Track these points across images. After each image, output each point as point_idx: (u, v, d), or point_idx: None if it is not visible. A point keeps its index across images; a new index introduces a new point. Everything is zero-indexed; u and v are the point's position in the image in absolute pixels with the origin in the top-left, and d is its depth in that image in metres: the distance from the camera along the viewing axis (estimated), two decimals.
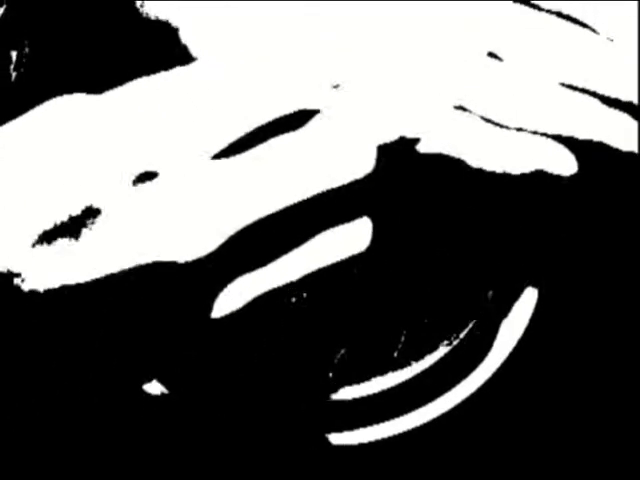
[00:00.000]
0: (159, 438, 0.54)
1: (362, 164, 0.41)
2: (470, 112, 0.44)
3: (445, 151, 0.43)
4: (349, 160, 0.41)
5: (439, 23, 0.44)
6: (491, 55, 0.44)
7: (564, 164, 0.44)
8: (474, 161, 0.44)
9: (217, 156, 0.39)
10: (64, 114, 0.40)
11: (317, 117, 0.41)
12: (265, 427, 0.55)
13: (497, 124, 0.44)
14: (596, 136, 0.44)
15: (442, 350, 0.57)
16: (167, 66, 0.41)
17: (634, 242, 0.57)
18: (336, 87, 0.42)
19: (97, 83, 0.43)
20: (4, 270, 0.38)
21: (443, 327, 0.58)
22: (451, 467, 0.58)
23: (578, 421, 0.58)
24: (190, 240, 0.38)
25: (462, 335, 0.57)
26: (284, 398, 0.56)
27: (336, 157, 0.40)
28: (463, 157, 0.43)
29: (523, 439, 0.58)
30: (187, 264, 0.38)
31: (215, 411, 0.54)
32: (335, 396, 0.57)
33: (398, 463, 0.57)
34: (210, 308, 0.40)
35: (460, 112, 0.44)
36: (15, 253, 0.38)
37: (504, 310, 0.56)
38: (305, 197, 0.39)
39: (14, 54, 0.55)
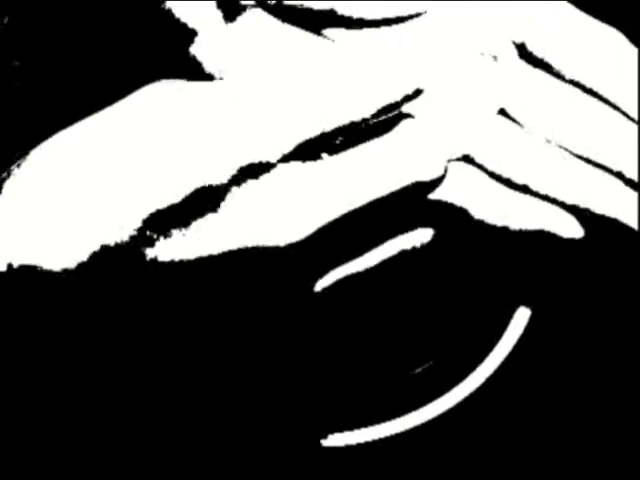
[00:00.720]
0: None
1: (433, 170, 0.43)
2: (478, 167, 0.45)
3: (450, 200, 0.45)
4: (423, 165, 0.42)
5: (454, 78, 0.45)
6: (502, 113, 0.45)
7: (570, 229, 0.45)
8: (477, 213, 0.45)
9: (314, 154, 0.41)
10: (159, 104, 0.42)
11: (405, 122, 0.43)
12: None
13: (503, 182, 0.45)
14: (599, 208, 0.45)
15: (437, 358, 0.58)
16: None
17: (626, 263, 0.58)
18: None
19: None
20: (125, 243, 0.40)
21: (440, 338, 0.58)
22: (445, 470, 0.58)
23: (575, 419, 0.59)
24: (286, 226, 0.40)
25: (455, 346, 0.58)
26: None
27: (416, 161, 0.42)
28: (467, 207, 0.45)
29: (516, 443, 0.58)
30: (283, 248, 0.40)
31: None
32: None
33: (395, 464, 0.58)
34: (307, 290, 0.43)
35: (468, 165, 0.45)
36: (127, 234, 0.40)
37: (497, 328, 0.57)
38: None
39: (17, 63, 0.56)
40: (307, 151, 0.41)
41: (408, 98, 0.42)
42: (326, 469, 0.57)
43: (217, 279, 0.41)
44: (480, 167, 0.45)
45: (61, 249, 0.40)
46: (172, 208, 0.40)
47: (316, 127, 0.40)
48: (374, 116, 0.41)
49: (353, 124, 0.41)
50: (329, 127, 0.41)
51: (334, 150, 0.41)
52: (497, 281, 0.57)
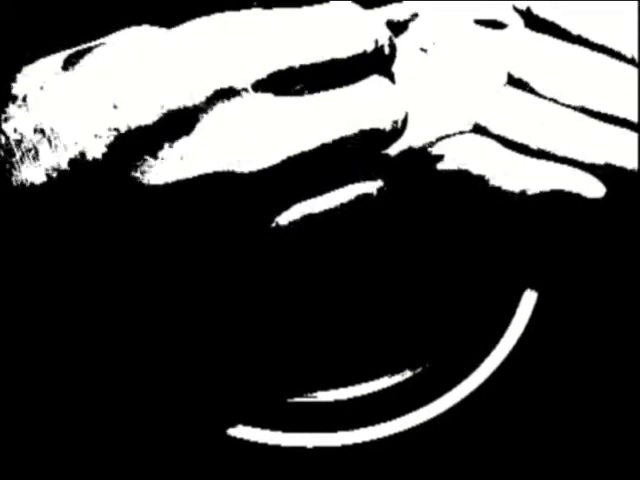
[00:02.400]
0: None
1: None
2: (489, 135, 0.46)
3: (465, 168, 0.46)
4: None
5: (466, 46, 0.46)
6: (512, 81, 0.46)
7: (591, 188, 0.46)
8: (493, 179, 0.46)
9: (286, 88, 0.43)
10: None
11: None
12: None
13: (516, 148, 0.46)
14: (608, 159, 0.46)
15: (441, 352, 0.58)
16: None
17: (631, 247, 0.58)
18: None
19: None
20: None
21: (444, 329, 0.58)
22: (450, 467, 0.58)
23: (575, 419, 0.58)
24: (255, 154, 0.41)
25: (462, 337, 0.57)
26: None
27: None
28: (483, 174, 0.46)
29: (521, 438, 0.58)
30: (249, 175, 0.41)
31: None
32: (332, 396, 0.58)
33: (394, 463, 0.57)
34: (269, 221, 0.44)
35: (479, 135, 0.46)
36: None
37: (504, 312, 0.57)
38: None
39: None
40: (280, 84, 0.42)
41: (380, 56, 0.43)
42: (325, 469, 0.56)
43: (186, 202, 0.42)
44: (494, 136, 0.46)
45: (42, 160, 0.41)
46: (145, 129, 0.41)
47: (290, 59, 0.42)
48: (346, 62, 0.42)
49: (326, 63, 0.42)
50: (302, 61, 0.42)
51: (307, 90, 0.43)
52: (502, 264, 0.57)
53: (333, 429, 0.57)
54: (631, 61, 0.46)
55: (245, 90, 0.42)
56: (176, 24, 0.44)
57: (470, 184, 0.46)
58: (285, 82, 0.42)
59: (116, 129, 0.41)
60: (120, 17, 0.52)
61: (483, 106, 0.46)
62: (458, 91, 0.46)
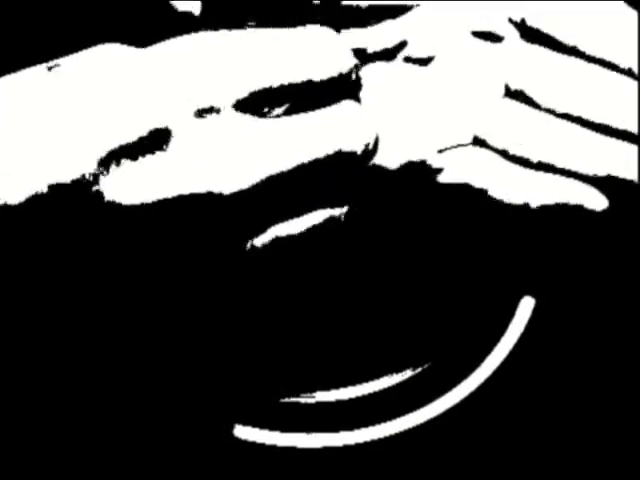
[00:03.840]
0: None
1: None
2: (489, 147, 0.46)
3: (466, 181, 0.46)
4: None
5: (464, 59, 0.46)
6: (509, 93, 0.46)
7: (593, 200, 0.46)
8: (494, 192, 0.46)
9: (266, 108, 0.43)
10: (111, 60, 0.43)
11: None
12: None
13: (516, 160, 0.46)
14: (608, 171, 0.46)
15: (441, 352, 0.58)
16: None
17: (629, 253, 0.58)
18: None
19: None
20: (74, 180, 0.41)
21: (444, 329, 0.58)
22: (450, 467, 0.58)
23: (573, 420, 0.59)
24: (231, 175, 0.41)
25: (462, 338, 0.58)
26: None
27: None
28: (484, 187, 0.46)
29: (521, 439, 0.58)
30: (227, 196, 0.42)
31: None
32: (332, 397, 0.58)
33: (395, 463, 0.57)
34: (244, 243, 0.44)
35: (479, 147, 0.46)
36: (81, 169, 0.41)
37: (503, 314, 0.57)
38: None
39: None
40: (260, 104, 0.43)
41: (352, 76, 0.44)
42: (325, 469, 0.57)
43: (163, 222, 0.42)
44: (494, 149, 0.46)
45: (16, 183, 0.41)
46: (122, 149, 0.41)
47: (267, 80, 0.42)
48: (320, 85, 0.43)
49: (300, 86, 0.43)
50: (279, 82, 0.42)
51: (284, 112, 0.43)
52: (501, 271, 0.57)
53: (334, 429, 0.57)
54: (628, 72, 0.46)
55: (223, 110, 0.42)
56: (151, 43, 0.44)
57: (471, 196, 0.47)
58: (261, 104, 0.43)
59: (91, 148, 0.41)
60: (92, 34, 0.52)
61: (482, 119, 0.46)
62: (456, 104, 0.46)
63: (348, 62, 0.43)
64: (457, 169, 0.46)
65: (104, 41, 0.51)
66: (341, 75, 0.43)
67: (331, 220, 0.45)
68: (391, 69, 0.47)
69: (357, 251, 0.56)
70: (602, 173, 0.46)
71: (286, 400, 0.57)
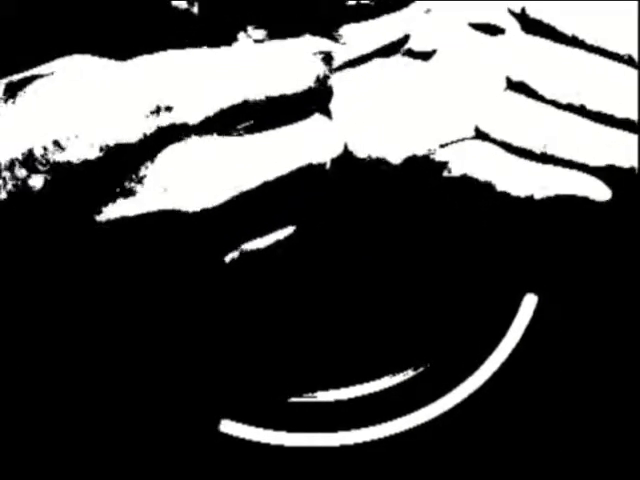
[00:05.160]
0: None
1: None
2: (492, 140, 0.47)
3: (471, 174, 0.46)
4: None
5: (465, 52, 0.46)
6: (511, 85, 0.46)
7: (597, 191, 0.46)
8: (499, 185, 0.46)
9: (234, 127, 0.44)
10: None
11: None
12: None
13: (519, 153, 0.46)
14: (609, 161, 0.46)
15: (443, 352, 0.58)
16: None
17: (632, 249, 0.58)
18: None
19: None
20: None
21: (446, 329, 0.58)
22: (450, 468, 0.58)
23: (575, 420, 0.58)
24: (200, 193, 0.42)
25: (464, 337, 0.57)
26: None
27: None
28: (489, 181, 0.46)
29: (522, 439, 0.58)
30: (195, 214, 0.42)
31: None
32: (333, 397, 0.58)
33: (395, 464, 0.57)
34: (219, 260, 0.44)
35: (481, 140, 0.47)
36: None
37: (505, 313, 0.57)
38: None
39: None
40: (226, 121, 0.43)
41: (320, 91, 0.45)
42: (325, 469, 0.56)
43: (133, 239, 0.42)
44: (497, 142, 0.46)
45: None
46: (88, 164, 0.41)
47: (234, 97, 0.42)
48: (286, 100, 0.43)
49: (272, 99, 0.43)
50: (246, 98, 0.42)
51: (251, 129, 0.43)
52: (503, 267, 0.57)
53: (333, 429, 0.57)
54: (629, 62, 0.46)
55: (189, 128, 0.42)
56: (150, 42, 0.44)
57: (475, 190, 0.47)
58: (226, 121, 0.43)
59: (57, 164, 0.40)
60: (91, 34, 0.52)
61: (484, 111, 0.46)
62: (458, 97, 0.46)
63: (315, 75, 0.43)
64: (460, 163, 0.46)
65: (102, 41, 0.51)
66: (309, 89, 0.43)
67: (298, 235, 0.45)
68: (393, 64, 0.47)
69: (357, 251, 0.56)
70: (604, 163, 0.46)
71: (287, 400, 0.57)
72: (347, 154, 0.46)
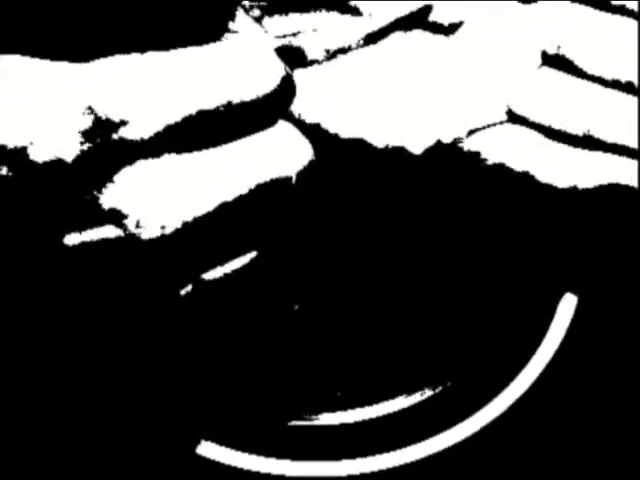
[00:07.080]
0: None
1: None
2: (529, 124, 0.43)
3: (506, 164, 0.43)
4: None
5: (494, 24, 0.43)
6: (547, 60, 0.43)
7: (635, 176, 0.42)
8: (538, 175, 0.42)
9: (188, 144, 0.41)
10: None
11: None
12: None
13: (560, 137, 0.42)
14: None
15: (465, 370, 0.51)
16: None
17: None
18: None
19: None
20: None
21: (470, 342, 0.52)
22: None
23: (617, 424, 0.51)
24: (154, 221, 0.39)
25: (490, 352, 0.51)
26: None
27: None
28: (527, 170, 0.42)
29: (570, 440, 0.51)
30: (151, 241, 0.42)
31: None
32: (338, 419, 0.51)
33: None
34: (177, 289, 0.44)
35: (517, 125, 0.43)
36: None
37: (545, 316, 0.51)
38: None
39: None
40: (183, 137, 0.40)
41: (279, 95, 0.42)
42: None
43: (93, 265, 0.41)
44: (535, 126, 0.42)
45: None
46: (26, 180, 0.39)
47: (191, 106, 0.39)
48: (251, 104, 0.41)
49: (230, 107, 0.40)
50: (207, 107, 0.40)
51: (209, 144, 0.41)
52: (543, 267, 0.52)
53: (337, 457, 0.50)
54: None
55: (141, 146, 0.40)
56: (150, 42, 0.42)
57: (512, 182, 0.42)
58: (182, 136, 0.40)
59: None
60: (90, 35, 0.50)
61: (518, 92, 0.42)
62: (487, 75, 0.42)
63: (279, 76, 0.40)
64: (493, 151, 0.41)
65: (100, 40, 0.49)
66: (272, 93, 0.40)
67: (257, 261, 0.42)
68: (412, 39, 0.43)
69: (368, 254, 0.51)
70: None
71: (290, 424, 0.51)
72: (359, 144, 0.41)
